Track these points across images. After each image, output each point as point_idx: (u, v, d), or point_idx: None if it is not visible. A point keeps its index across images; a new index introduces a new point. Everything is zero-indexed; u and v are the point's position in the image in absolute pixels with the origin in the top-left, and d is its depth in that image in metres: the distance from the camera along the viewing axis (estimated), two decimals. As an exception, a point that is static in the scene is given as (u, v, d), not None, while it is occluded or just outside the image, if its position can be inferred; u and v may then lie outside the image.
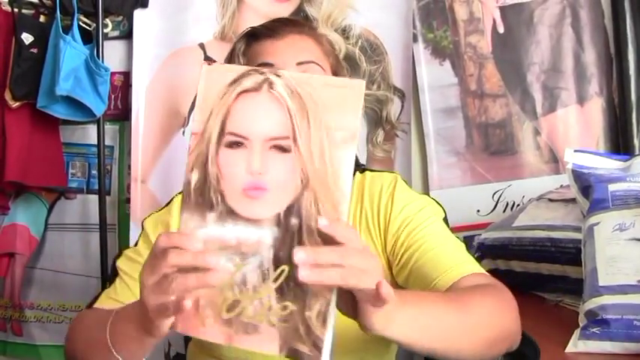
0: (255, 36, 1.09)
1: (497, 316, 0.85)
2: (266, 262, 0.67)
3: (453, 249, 0.98)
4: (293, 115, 0.68)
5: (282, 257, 0.67)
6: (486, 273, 0.97)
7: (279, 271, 0.67)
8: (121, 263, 1.06)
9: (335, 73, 1.10)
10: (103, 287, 1.10)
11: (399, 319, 0.70)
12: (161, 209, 1.13)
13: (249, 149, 0.69)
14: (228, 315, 0.68)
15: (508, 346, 0.87)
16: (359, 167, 1.14)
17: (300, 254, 0.64)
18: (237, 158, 0.69)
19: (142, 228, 1.10)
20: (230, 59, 1.12)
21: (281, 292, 0.67)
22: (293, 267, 0.65)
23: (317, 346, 0.66)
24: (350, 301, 0.68)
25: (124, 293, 1.01)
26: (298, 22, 1.15)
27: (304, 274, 0.63)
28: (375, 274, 0.66)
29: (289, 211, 0.68)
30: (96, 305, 1.02)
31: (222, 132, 0.70)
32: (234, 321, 0.68)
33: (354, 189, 1.08)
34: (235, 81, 0.70)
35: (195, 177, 0.70)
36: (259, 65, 1.02)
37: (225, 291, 0.67)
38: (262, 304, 0.67)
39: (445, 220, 1.05)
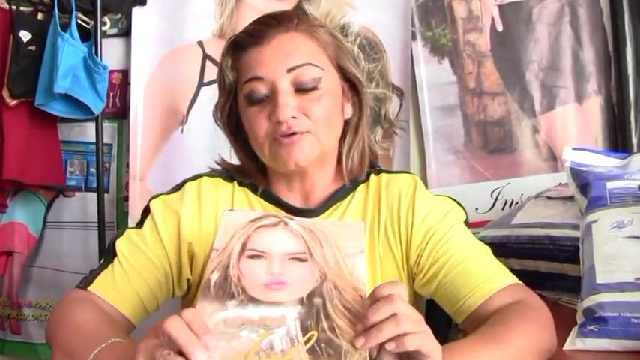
0: (240, 46, 0.99)
1: (537, 341, 0.87)
2: (293, 330, 0.69)
3: (479, 260, 0.98)
4: (307, 241, 0.76)
5: (309, 325, 0.69)
6: (516, 282, 0.97)
7: (308, 335, 0.68)
8: (122, 245, 0.98)
9: (339, 66, 1.01)
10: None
11: None
12: (171, 192, 1.04)
13: (268, 260, 0.74)
14: None
15: None
16: (374, 168, 1.09)
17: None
18: (257, 264, 0.74)
19: (149, 208, 1.02)
20: (221, 77, 1.02)
21: (312, 352, 0.67)
22: (321, 332, 0.67)
23: None
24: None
25: (121, 281, 0.95)
26: (284, 18, 1.00)
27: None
28: (419, 334, 0.68)
29: (311, 295, 0.71)
30: (91, 288, 0.96)
31: (242, 249, 0.75)
32: None
33: (369, 192, 1.05)
34: (255, 219, 0.79)
35: (215, 276, 0.73)
36: (250, 80, 0.97)
37: (250, 356, 0.67)
38: None
39: (466, 222, 1.03)
